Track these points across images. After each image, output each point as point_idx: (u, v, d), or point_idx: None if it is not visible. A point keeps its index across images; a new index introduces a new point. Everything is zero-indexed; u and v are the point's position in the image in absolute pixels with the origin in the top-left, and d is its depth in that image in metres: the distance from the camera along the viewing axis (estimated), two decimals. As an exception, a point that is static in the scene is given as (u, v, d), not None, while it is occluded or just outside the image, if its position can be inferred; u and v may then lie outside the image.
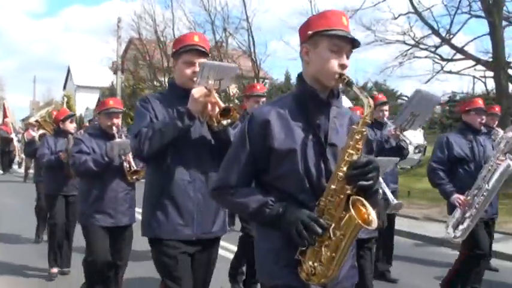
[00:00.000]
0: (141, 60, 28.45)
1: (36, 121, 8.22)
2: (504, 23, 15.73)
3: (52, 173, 6.12)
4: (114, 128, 4.57)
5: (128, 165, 4.44)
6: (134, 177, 4.48)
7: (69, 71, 55.12)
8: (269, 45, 44.36)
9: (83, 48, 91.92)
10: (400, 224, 7.77)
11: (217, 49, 21.98)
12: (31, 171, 15.16)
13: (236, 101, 29.17)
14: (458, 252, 5.15)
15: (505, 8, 15.92)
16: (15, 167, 19.21)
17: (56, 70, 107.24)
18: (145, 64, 27.98)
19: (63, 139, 6.15)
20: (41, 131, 7.75)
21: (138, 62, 29.22)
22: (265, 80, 29.34)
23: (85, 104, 39.18)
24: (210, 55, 3.19)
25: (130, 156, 4.42)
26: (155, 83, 27.85)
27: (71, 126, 6.31)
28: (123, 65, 29.90)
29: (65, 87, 54.89)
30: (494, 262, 6.77)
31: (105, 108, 4.61)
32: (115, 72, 30.05)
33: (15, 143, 16.78)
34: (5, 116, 18.01)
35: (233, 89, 25.82)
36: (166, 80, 26.46)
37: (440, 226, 7.48)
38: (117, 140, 4.49)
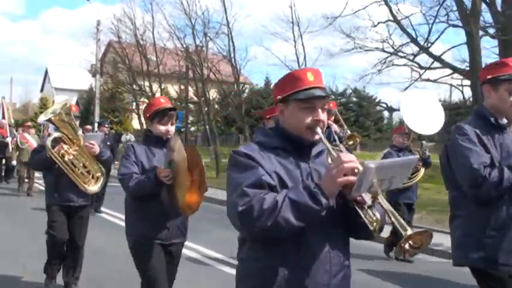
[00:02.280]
0: (120, 64, 28.23)
1: (49, 120, 5.19)
2: (481, 32, 16.07)
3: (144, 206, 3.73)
4: (318, 129, 2.10)
5: (365, 212, 2.00)
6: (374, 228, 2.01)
7: (46, 73, 54.41)
8: (249, 50, 44.52)
9: (62, 51, 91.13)
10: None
11: (198, 54, 21.90)
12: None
13: (216, 106, 29.15)
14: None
15: (481, 18, 16.28)
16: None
17: (34, 72, 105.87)
18: (125, 68, 27.76)
19: (160, 149, 3.80)
20: (57, 134, 5.07)
21: (117, 65, 29.00)
22: (245, 85, 29.37)
23: (63, 106, 38.63)
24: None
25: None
26: (134, 86, 27.64)
27: (161, 129, 3.79)
28: (102, 68, 29.64)
29: (42, 90, 54.08)
30: None
31: (298, 90, 2.11)
32: (94, 75, 29.74)
33: (11, 147, 14.40)
34: (3, 116, 15.38)
35: (213, 94, 25.79)
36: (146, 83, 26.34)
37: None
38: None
